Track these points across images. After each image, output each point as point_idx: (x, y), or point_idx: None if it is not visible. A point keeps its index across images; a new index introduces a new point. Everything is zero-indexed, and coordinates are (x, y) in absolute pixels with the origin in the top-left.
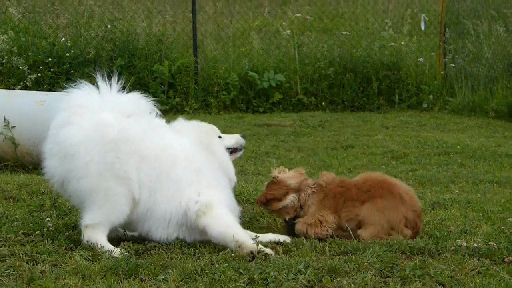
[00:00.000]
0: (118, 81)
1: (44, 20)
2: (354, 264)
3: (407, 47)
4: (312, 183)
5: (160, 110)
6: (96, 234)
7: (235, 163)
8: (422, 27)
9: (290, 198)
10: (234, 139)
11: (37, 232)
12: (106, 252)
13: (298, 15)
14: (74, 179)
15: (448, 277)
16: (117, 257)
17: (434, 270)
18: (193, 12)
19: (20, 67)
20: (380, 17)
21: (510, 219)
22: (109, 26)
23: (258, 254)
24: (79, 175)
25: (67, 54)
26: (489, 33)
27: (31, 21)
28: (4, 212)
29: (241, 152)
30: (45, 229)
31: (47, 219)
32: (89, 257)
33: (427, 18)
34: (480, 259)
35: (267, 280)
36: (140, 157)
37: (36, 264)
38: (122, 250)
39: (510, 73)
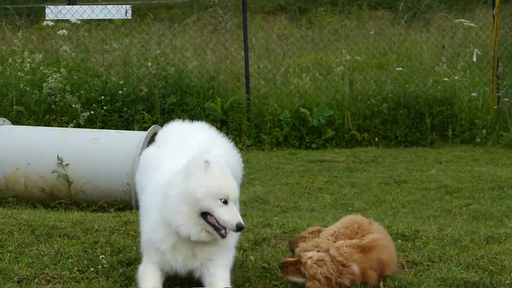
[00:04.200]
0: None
1: (96, 58)
2: None
3: (461, 82)
4: None
5: None
6: None
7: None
8: (474, 59)
9: None
10: None
11: (91, 269)
12: None
13: (348, 57)
14: None
15: None
16: None
17: None
18: (245, 50)
19: (73, 105)
20: (433, 52)
21: None
22: (160, 64)
23: None
24: None
25: (120, 92)
26: None
27: (83, 59)
28: (59, 249)
29: None
30: (99, 266)
31: (101, 256)
32: None
33: (480, 53)
34: None
35: None
36: None
37: None
38: None
39: None
